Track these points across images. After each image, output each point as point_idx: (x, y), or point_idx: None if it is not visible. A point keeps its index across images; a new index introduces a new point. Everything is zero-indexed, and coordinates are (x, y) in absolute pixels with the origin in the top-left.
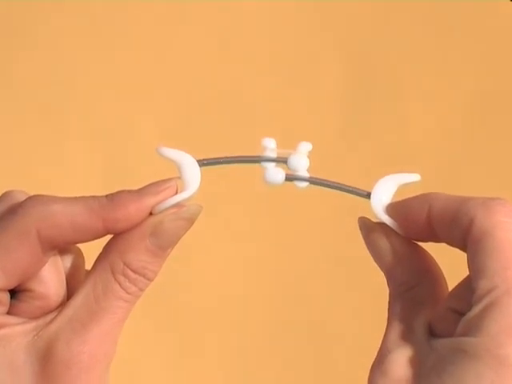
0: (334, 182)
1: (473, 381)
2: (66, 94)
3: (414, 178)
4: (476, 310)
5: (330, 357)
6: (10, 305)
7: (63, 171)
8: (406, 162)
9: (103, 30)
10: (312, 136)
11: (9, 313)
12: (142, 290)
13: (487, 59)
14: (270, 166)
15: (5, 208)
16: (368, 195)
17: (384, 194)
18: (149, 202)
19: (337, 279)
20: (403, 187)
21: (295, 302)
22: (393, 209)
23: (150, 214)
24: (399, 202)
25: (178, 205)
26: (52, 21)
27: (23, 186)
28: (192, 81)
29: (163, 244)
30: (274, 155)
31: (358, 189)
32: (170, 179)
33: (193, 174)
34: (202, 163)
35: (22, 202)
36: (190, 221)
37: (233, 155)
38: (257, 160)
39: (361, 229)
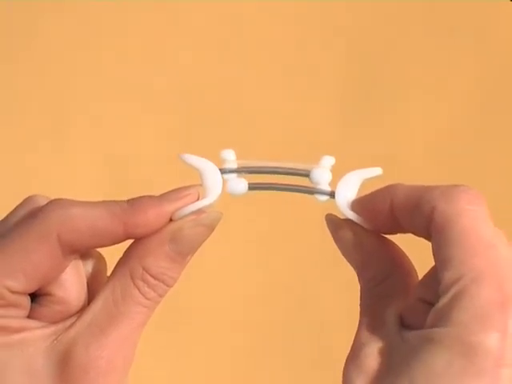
0: (293, 186)
1: (443, 368)
2: (66, 95)
3: (377, 171)
4: (444, 300)
5: (331, 358)
6: (31, 309)
7: (63, 171)
8: (405, 162)
9: (103, 31)
10: (312, 136)
11: (29, 317)
12: (161, 296)
13: (487, 59)
14: (232, 176)
15: (26, 212)
16: (332, 194)
17: (348, 190)
18: (169, 207)
19: (338, 281)
20: (368, 182)
21: (297, 303)
22: (358, 204)
23: (171, 220)
24: (363, 196)
25: (198, 211)
26: (52, 21)
27: (23, 186)
28: (192, 81)
29: (182, 250)
30: (234, 166)
31: (321, 189)
32: (191, 186)
33: (214, 182)
34: (225, 171)
35: (43, 206)
36: (210, 228)
37: (254, 165)
38: (280, 172)
39: (328, 226)
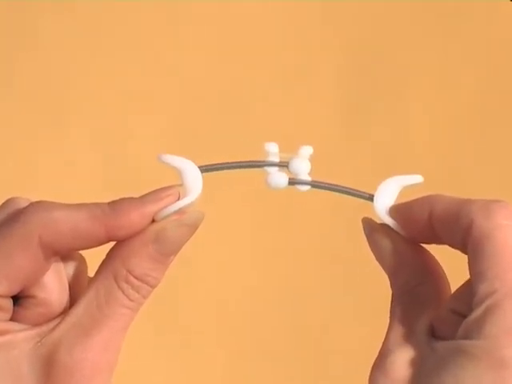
0: (336, 185)
1: (472, 381)
2: (67, 95)
3: (417, 179)
4: (477, 312)
5: (331, 360)
6: (13, 311)
7: (64, 172)
8: (406, 162)
9: (103, 31)
10: (312, 136)
11: (12, 319)
12: (144, 297)
13: (487, 59)
14: (273, 170)
15: (7, 214)
16: (371, 197)
17: (387, 196)
18: (151, 208)
19: (338, 282)
20: (406, 189)
21: (295, 305)
22: (396, 211)
23: (153, 221)
24: (402, 203)
25: (180, 211)
26: (52, 21)
27: (23, 186)
28: (191, 81)
29: (166, 250)
30: (277, 159)
31: (361, 191)
32: (171, 186)
33: (194, 180)
34: (204, 169)
35: (24, 209)
36: (193, 227)
37: (234, 160)
38: (258, 165)
39: (364, 229)
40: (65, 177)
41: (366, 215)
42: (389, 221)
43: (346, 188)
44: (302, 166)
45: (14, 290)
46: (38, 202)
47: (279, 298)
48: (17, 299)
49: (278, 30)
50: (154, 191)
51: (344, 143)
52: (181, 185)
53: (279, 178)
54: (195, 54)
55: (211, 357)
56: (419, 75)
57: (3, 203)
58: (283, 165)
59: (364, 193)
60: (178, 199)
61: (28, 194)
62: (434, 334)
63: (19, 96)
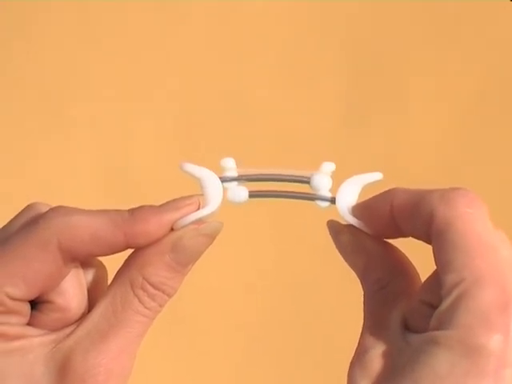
0: (294, 192)
1: (446, 370)
2: (66, 95)
3: (377, 176)
4: (447, 303)
5: (333, 360)
6: (31, 316)
7: (63, 176)
8: (406, 163)
9: (103, 31)
10: (313, 135)
11: (29, 324)
12: (161, 305)
13: (487, 59)
14: (233, 185)
15: (27, 219)
16: (333, 200)
17: (349, 196)
18: (170, 217)
19: (339, 285)
20: (368, 187)
21: (302, 305)
22: (358, 209)
23: (172, 229)
24: (363, 201)
25: (199, 221)
26: (53, 25)
27: (24, 186)
28: (192, 81)
29: (183, 260)
30: (234, 174)
31: (321, 195)
32: (192, 196)
33: (215, 191)
34: (225, 180)
35: (44, 213)
36: (211, 237)
37: (255, 173)
38: (281, 179)
39: (329, 231)
40: (64, 181)
41: None
42: (353, 220)
43: (305, 194)
44: (324, 182)
45: (32, 294)
46: (58, 207)
47: (286, 297)
48: (35, 304)
49: (278, 32)
50: (175, 200)
51: (344, 143)
52: (201, 194)
53: (239, 191)
54: (195, 55)
55: (218, 357)
56: (419, 76)
57: (24, 208)
58: (305, 180)
59: (325, 196)
60: (198, 209)
61: (28, 199)
62: (407, 328)
63: (19, 95)
